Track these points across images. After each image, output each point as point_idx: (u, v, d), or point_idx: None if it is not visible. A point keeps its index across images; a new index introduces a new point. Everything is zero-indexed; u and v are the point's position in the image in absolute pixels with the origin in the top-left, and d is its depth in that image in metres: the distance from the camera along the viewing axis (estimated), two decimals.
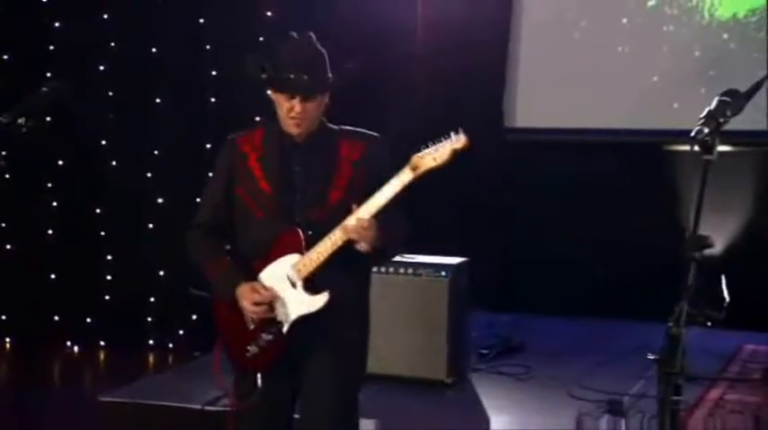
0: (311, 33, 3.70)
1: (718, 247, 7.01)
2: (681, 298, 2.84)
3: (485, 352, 6.28)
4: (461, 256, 5.86)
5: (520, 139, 7.91)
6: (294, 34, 3.70)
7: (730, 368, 6.06)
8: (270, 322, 3.63)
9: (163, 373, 6.96)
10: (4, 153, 6.30)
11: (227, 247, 3.88)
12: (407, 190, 3.57)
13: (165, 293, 7.68)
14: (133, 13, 7.77)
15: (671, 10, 7.61)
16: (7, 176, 7.94)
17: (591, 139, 7.73)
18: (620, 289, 7.17)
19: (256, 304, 3.60)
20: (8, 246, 8.03)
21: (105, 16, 7.81)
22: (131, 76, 7.76)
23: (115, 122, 7.84)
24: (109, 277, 7.88)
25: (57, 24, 7.88)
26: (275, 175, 3.69)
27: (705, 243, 2.89)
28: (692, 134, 2.98)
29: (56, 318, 7.91)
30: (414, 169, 3.54)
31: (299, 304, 3.61)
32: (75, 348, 7.89)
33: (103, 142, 7.87)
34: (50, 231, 7.98)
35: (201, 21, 7.66)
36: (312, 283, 3.60)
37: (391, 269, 5.61)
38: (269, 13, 7.45)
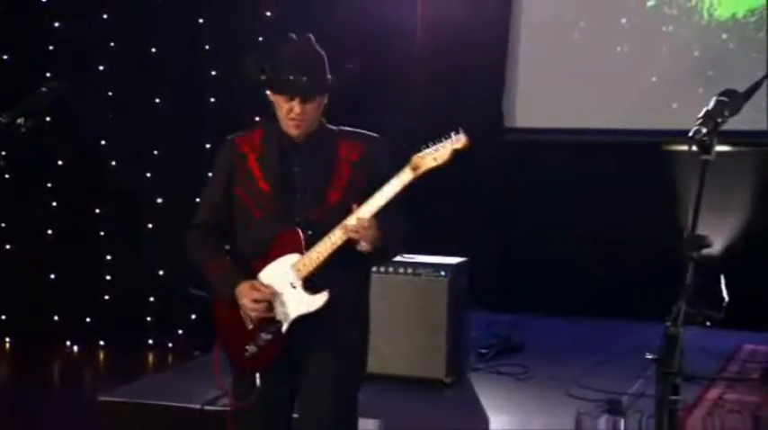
0: (310, 35, 3.70)
1: (717, 247, 7.04)
2: (679, 297, 2.85)
3: (484, 351, 6.29)
4: (461, 256, 5.87)
5: (519, 139, 7.91)
6: (293, 36, 3.70)
7: (729, 368, 6.06)
8: (269, 322, 3.64)
9: (162, 373, 6.97)
10: (3, 153, 6.31)
11: (227, 247, 3.89)
12: (408, 190, 3.57)
13: (164, 293, 7.69)
14: (133, 13, 7.78)
15: (670, 10, 7.62)
16: (7, 176, 7.94)
17: (590, 139, 7.74)
18: (619, 289, 7.17)
19: (256, 302, 3.60)
20: (8, 246, 8.04)
21: (105, 16, 7.82)
22: (131, 76, 7.77)
23: (115, 122, 7.85)
24: (108, 277, 7.89)
25: (56, 24, 7.88)
26: (274, 175, 3.69)
27: (703, 243, 2.89)
28: (690, 134, 2.98)
29: (55, 317, 7.92)
30: (414, 169, 3.55)
31: (298, 304, 3.62)
32: (75, 348, 7.90)
33: (103, 142, 7.87)
34: (50, 231, 7.98)
35: (201, 21, 7.67)
36: (311, 283, 3.61)
37: (391, 269, 5.62)
38: (268, 14, 7.46)
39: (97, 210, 7.92)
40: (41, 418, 6.31)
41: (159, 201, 7.73)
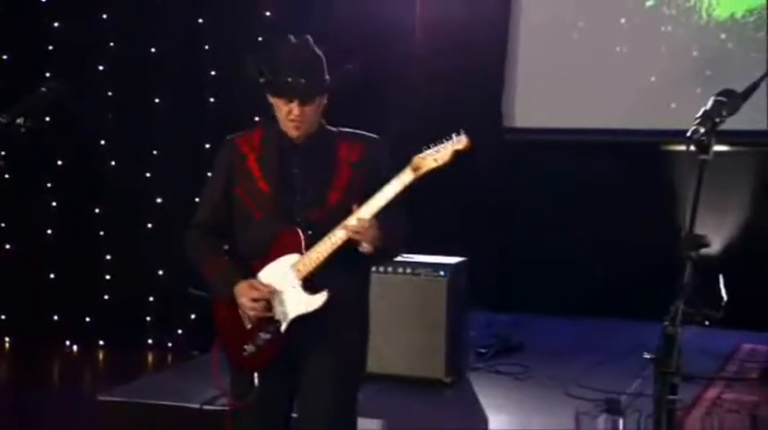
0: (308, 36, 3.71)
1: (716, 247, 7.05)
2: (677, 297, 2.85)
3: (483, 351, 6.29)
4: (460, 256, 5.87)
5: (519, 139, 7.92)
6: (291, 37, 3.70)
7: (728, 367, 6.07)
8: (268, 321, 3.64)
9: (162, 373, 6.98)
10: (3, 153, 6.32)
11: (226, 247, 3.89)
12: (408, 190, 3.58)
13: (164, 293, 7.69)
14: (132, 13, 7.78)
15: (669, 10, 7.63)
16: (7, 176, 7.95)
17: (589, 139, 7.75)
18: (618, 288, 7.18)
19: (254, 301, 3.61)
20: (8, 246, 8.04)
21: (104, 16, 7.82)
22: (130, 76, 7.77)
23: (114, 122, 7.85)
24: (108, 277, 7.89)
25: (56, 24, 7.88)
26: (274, 176, 3.70)
27: (701, 242, 2.90)
28: (688, 134, 2.99)
29: (55, 317, 7.93)
30: (415, 170, 3.55)
31: (297, 303, 3.62)
32: (75, 347, 7.90)
33: (103, 142, 7.87)
34: (50, 231, 7.99)
35: (201, 21, 7.67)
36: (311, 283, 3.61)
37: (390, 268, 5.62)
38: (268, 14, 7.46)
39: (97, 210, 7.92)
40: (41, 418, 6.31)
41: (159, 200, 7.74)
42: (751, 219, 7.41)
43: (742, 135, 6.53)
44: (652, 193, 7.37)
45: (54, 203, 7.99)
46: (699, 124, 3.00)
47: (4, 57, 7.99)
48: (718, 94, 3.09)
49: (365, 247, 3.56)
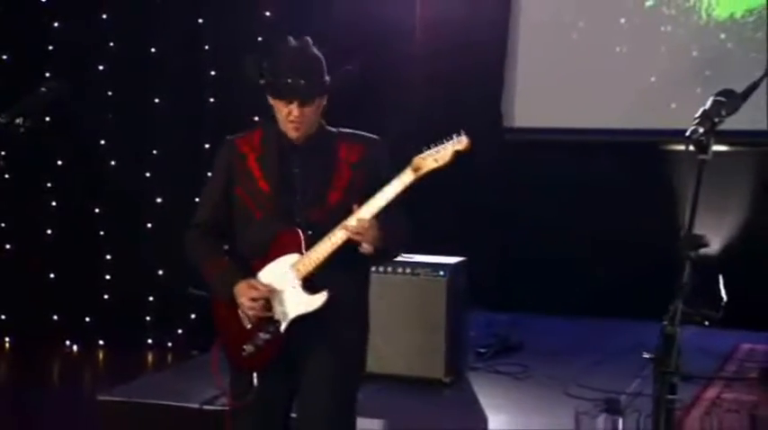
0: (308, 37, 3.71)
1: (716, 247, 7.05)
2: (676, 297, 2.86)
3: (482, 351, 6.29)
4: (459, 256, 5.87)
5: (518, 139, 7.92)
6: (291, 39, 3.70)
7: (727, 367, 6.07)
8: (267, 321, 3.64)
9: (162, 372, 6.98)
10: (3, 153, 6.32)
11: (225, 247, 3.90)
12: (408, 191, 3.58)
13: (163, 293, 7.69)
14: (132, 13, 7.78)
15: (669, 10, 7.63)
16: (7, 176, 7.95)
17: (589, 139, 7.75)
18: (617, 288, 7.19)
19: (253, 300, 3.61)
20: (7, 246, 8.05)
21: (104, 16, 7.82)
22: (130, 75, 7.77)
23: (114, 122, 7.85)
24: (108, 276, 7.89)
25: (56, 24, 7.88)
26: (274, 176, 3.70)
27: (700, 242, 2.90)
28: (687, 134, 3.00)
29: (55, 317, 7.93)
30: (415, 170, 3.55)
31: (297, 303, 3.62)
32: (75, 347, 7.90)
33: (102, 142, 7.87)
34: (49, 231, 7.99)
35: (200, 21, 7.67)
36: (311, 283, 3.61)
37: (389, 268, 5.62)
38: (268, 14, 7.46)
39: (97, 210, 7.92)
40: (41, 417, 6.31)
41: (159, 200, 7.74)
42: (751, 219, 7.41)
43: (742, 135, 6.54)
44: (652, 193, 7.37)
45: (54, 203, 7.99)
46: (698, 124, 3.00)
47: (4, 57, 7.99)
48: (718, 94, 3.09)
49: (365, 248, 3.57)
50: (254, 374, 3.67)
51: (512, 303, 7.33)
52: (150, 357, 7.66)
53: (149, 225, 7.77)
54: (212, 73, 7.62)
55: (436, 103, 7.59)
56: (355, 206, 3.57)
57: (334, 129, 3.79)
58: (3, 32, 7.97)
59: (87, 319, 7.90)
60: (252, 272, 3.67)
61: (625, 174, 7.55)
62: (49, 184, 7.98)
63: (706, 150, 2.98)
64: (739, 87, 3.17)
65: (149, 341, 7.76)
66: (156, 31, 7.75)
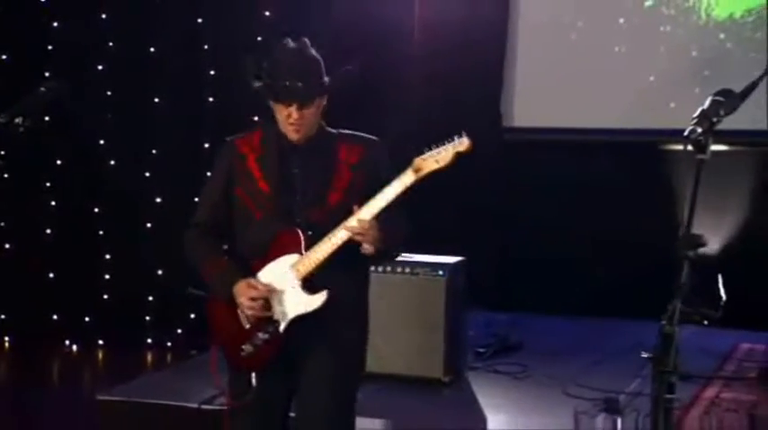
0: (305, 39, 3.71)
1: (716, 247, 7.05)
2: (674, 296, 2.86)
3: (482, 350, 6.30)
4: (458, 255, 5.88)
5: (517, 139, 7.93)
6: (288, 41, 3.70)
7: (726, 367, 6.07)
8: (267, 321, 3.65)
9: (161, 372, 6.98)
10: (2, 152, 6.32)
11: (225, 247, 3.90)
12: (409, 191, 3.59)
13: (163, 292, 7.69)
14: (131, 12, 7.78)
15: (668, 10, 7.63)
16: (6, 176, 7.96)
17: (588, 139, 7.75)
18: (617, 287, 7.19)
19: (252, 299, 3.61)
20: (7, 246, 8.05)
21: (104, 16, 7.82)
22: (130, 75, 7.77)
23: (113, 122, 7.85)
24: (107, 276, 7.89)
25: (55, 24, 7.89)
26: (274, 176, 3.70)
27: (698, 242, 2.90)
28: (686, 133, 3.00)
29: (54, 316, 7.93)
30: (416, 171, 3.56)
31: (296, 303, 3.63)
32: (74, 347, 7.91)
33: (102, 142, 7.88)
34: (49, 230, 7.99)
35: (200, 20, 7.67)
36: (310, 283, 3.62)
37: (389, 268, 5.63)
38: (267, 14, 7.46)
39: (96, 210, 7.92)
40: (40, 417, 6.32)
41: (158, 200, 7.74)
42: (751, 219, 7.42)
43: (742, 135, 6.55)
44: (651, 193, 7.37)
45: (53, 203, 7.99)
46: (696, 124, 3.00)
47: (4, 56, 7.99)
48: (716, 94, 3.10)
49: (366, 248, 3.57)
50: (253, 374, 3.67)
51: (511, 303, 7.33)
52: (150, 357, 7.66)
53: (149, 225, 7.77)
54: (212, 73, 7.62)
55: (435, 103, 7.60)
56: (356, 207, 3.58)
57: (334, 131, 3.79)
58: (2, 32, 7.97)
59: (87, 319, 7.90)
60: (251, 272, 3.67)
61: (624, 173, 7.55)
62: (48, 184, 7.98)
63: (704, 150, 2.98)
64: (738, 87, 3.17)
65: (149, 341, 7.77)
66: (155, 31, 7.75)
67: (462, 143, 3.56)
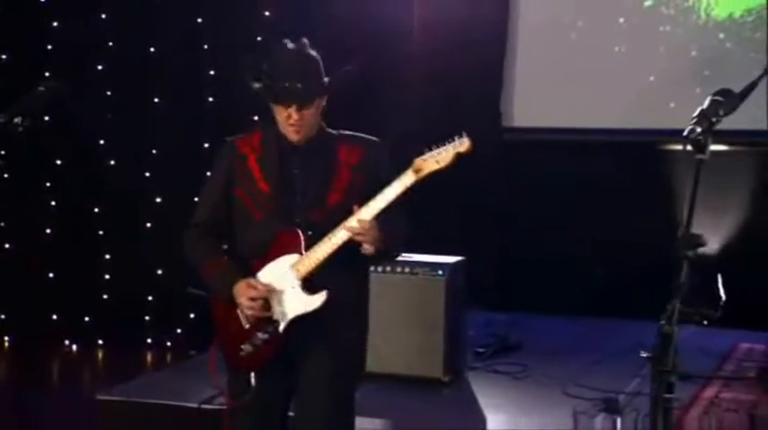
0: (304, 39, 3.71)
1: (715, 246, 7.05)
2: (673, 296, 2.86)
3: (481, 350, 6.29)
4: (458, 255, 5.88)
5: (517, 139, 7.92)
6: (287, 42, 3.70)
7: (725, 366, 6.07)
8: (266, 321, 3.65)
9: (161, 372, 6.99)
10: (2, 152, 6.32)
11: (225, 247, 3.90)
12: (409, 192, 3.59)
13: (163, 292, 7.70)
14: (131, 12, 7.78)
15: (667, 10, 7.63)
16: (6, 176, 7.96)
17: (588, 139, 7.75)
18: (616, 287, 7.18)
19: (252, 299, 3.61)
20: (7, 246, 8.05)
21: (103, 16, 7.83)
22: (129, 75, 7.78)
23: (113, 122, 7.85)
24: (107, 276, 7.90)
25: (55, 24, 7.89)
26: (274, 176, 3.70)
27: (698, 241, 2.91)
28: (685, 133, 3.00)
29: (54, 316, 7.93)
30: (416, 172, 3.56)
31: (296, 303, 3.63)
32: (74, 347, 7.91)
33: (102, 142, 7.88)
34: (49, 230, 7.99)
35: (199, 20, 7.67)
36: (310, 283, 3.62)
37: (388, 268, 5.62)
38: (267, 13, 7.47)
39: (96, 210, 7.93)
40: (40, 417, 6.32)
41: (158, 200, 7.74)
42: (750, 219, 7.41)
43: (742, 135, 6.55)
44: (651, 193, 7.37)
45: (53, 203, 7.99)
46: (695, 124, 3.01)
47: (3, 56, 8.00)
48: (715, 94, 3.10)
49: (366, 249, 3.57)
50: (252, 374, 3.67)
51: (511, 303, 7.33)
52: (149, 357, 7.66)
53: (149, 224, 7.77)
54: (211, 72, 7.63)
55: (435, 102, 7.60)
56: (356, 207, 3.58)
57: (334, 131, 3.80)
58: (2, 32, 7.97)
59: (86, 319, 7.91)
60: (251, 272, 3.67)
61: (624, 173, 7.55)
62: (48, 184, 7.99)
63: (704, 150, 2.98)
64: (738, 87, 3.17)
65: (148, 340, 7.77)
66: (155, 31, 7.75)
67: (463, 143, 3.57)
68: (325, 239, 3.59)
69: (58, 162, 7.95)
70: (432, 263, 5.71)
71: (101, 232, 7.91)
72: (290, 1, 7.44)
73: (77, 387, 7.16)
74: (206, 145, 7.47)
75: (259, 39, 7.37)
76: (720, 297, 3.08)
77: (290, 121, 3.64)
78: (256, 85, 3.68)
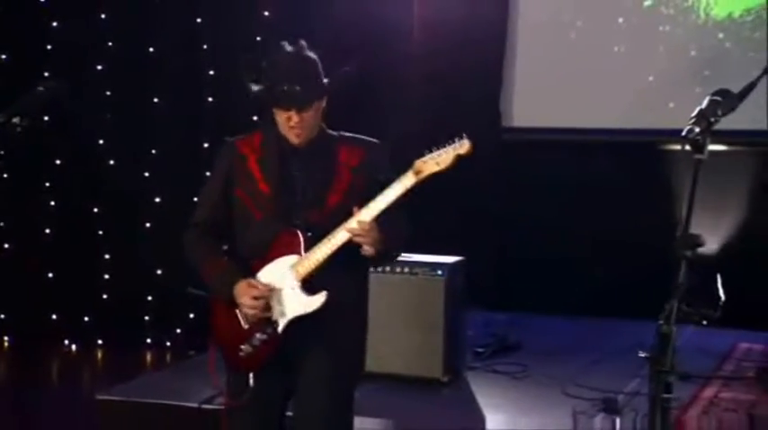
0: (302, 41, 3.71)
1: (715, 246, 7.05)
2: (672, 296, 2.86)
3: (481, 350, 6.29)
4: (457, 255, 5.87)
5: (516, 139, 7.92)
6: (285, 44, 3.70)
7: (725, 366, 6.07)
8: (265, 322, 3.65)
9: (160, 372, 6.99)
10: (1, 152, 6.32)
11: (224, 248, 3.90)
12: (409, 194, 3.59)
13: (162, 292, 7.70)
14: (130, 12, 7.79)
15: (667, 10, 7.63)
16: (5, 176, 7.97)
17: (587, 139, 7.75)
18: (616, 287, 7.18)
19: (255, 299, 3.61)
20: (6, 246, 8.05)
21: (103, 16, 7.83)
22: (129, 75, 7.78)
23: (113, 122, 7.85)
24: (107, 276, 7.90)
25: (54, 24, 7.89)
26: (275, 177, 3.70)
27: (696, 241, 2.91)
28: (683, 133, 3.00)
29: (54, 316, 7.93)
30: (416, 173, 3.57)
31: (296, 304, 3.63)
32: (73, 347, 7.91)
33: (101, 142, 7.88)
34: (48, 230, 7.99)
35: (199, 20, 7.67)
36: (310, 284, 3.62)
37: (387, 268, 5.62)
38: (266, 14, 7.47)
39: (95, 210, 7.93)
40: (40, 417, 6.32)
41: (157, 200, 7.74)
42: (750, 218, 7.41)
43: (742, 135, 6.55)
44: (651, 193, 7.37)
45: (52, 203, 7.99)
46: (694, 123, 3.01)
47: (3, 56, 8.00)
48: (714, 94, 3.10)
49: (366, 250, 3.58)
50: (250, 374, 3.67)
51: (510, 303, 7.33)
52: (149, 356, 7.67)
53: (148, 224, 7.77)
54: (211, 72, 7.63)
55: (435, 102, 7.60)
56: (356, 208, 3.58)
57: (335, 133, 3.80)
58: (2, 32, 7.98)
59: (86, 319, 7.91)
60: (251, 272, 3.67)
61: (623, 173, 7.55)
62: (47, 184, 7.99)
63: (702, 150, 2.99)
64: (737, 87, 3.17)
65: (148, 340, 7.77)
66: (154, 31, 7.76)
67: (463, 145, 3.57)
68: (325, 240, 3.59)
69: (58, 162, 7.95)
70: (431, 263, 5.71)
71: (100, 232, 7.91)
72: (289, 1, 7.44)
73: (77, 387, 7.16)
74: (205, 145, 7.47)
75: (258, 39, 7.37)
76: (720, 297, 3.08)
77: (291, 124, 3.64)
78: (255, 89, 3.69)
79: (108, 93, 7.81)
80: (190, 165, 7.34)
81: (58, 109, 6.77)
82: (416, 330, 5.64)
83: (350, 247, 3.58)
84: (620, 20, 7.74)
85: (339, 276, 3.61)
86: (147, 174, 7.78)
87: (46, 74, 7.59)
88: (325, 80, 3.69)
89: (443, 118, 7.19)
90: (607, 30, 7.76)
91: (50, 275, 7.95)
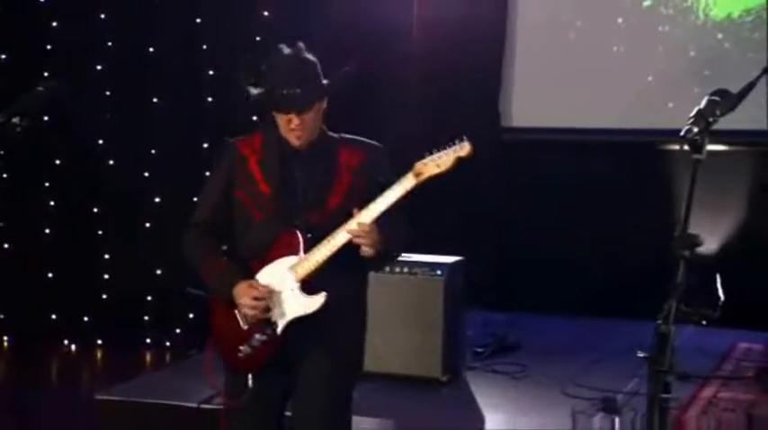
0: (300, 43, 3.71)
1: (714, 246, 7.05)
2: (670, 296, 2.87)
3: (480, 350, 6.29)
4: (457, 255, 5.88)
5: (516, 139, 7.92)
6: (283, 47, 3.70)
7: (724, 366, 6.07)
8: (265, 323, 3.65)
9: (160, 372, 6.99)
10: (0, 152, 6.32)
11: (224, 248, 3.90)
12: (409, 196, 3.60)
13: (162, 292, 7.70)
14: (130, 12, 7.79)
15: (666, 10, 7.63)
16: (5, 176, 7.97)
17: (586, 139, 7.75)
18: (615, 287, 7.18)
19: (254, 299, 3.61)
20: (6, 246, 8.06)
21: (102, 16, 7.83)
22: (128, 75, 7.78)
23: (112, 122, 7.86)
24: (106, 276, 7.90)
25: (54, 24, 7.89)
26: (275, 178, 3.71)
27: (694, 241, 2.91)
28: (682, 133, 3.01)
29: (53, 316, 7.93)
30: (417, 175, 3.57)
31: (295, 305, 3.63)
32: (73, 347, 7.91)
33: (101, 142, 7.88)
34: (48, 230, 7.99)
35: (198, 21, 7.68)
36: (309, 285, 3.62)
37: (387, 268, 5.62)
38: (266, 13, 7.47)
39: (95, 210, 7.93)
40: (39, 417, 6.32)
41: (157, 200, 7.75)
42: (749, 218, 7.41)
43: (741, 135, 6.55)
44: (650, 193, 7.37)
45: (52, 203, 8.00)
46: (692, 123, 3.01)
47: (3, 56, 8.00)
48: (713, 94, 3.11)
49: (366, 251, 3.58)
50: (249, 375, 3.67)
51: (509, 302, 7.32)
52: (148, 356, 7.67)
53: (148, 224, 7.77)
54: (210, 73, 7.63)
55: (434, 102, 7.60)
56: (356, 210, 3.59)
57: (335, 135, 3.80)
58: (2, 32, 7.98)
59: (86, 319, 7.91)
60: (251, 273, 3.68)
61: (623, 173, 7.55)
62: (47, 184, 7.99)
63: (700, 150, 2.99)
64: (737, 87, 3.18)
65: (148, 340, 7.78)
66: (154, 31, 7.76)
67: (463, 148, 3.58)
68: (325, 242, 3.60)
69: (57, 162, 7.95)
70: (430, 263, 5.71)
71: (100, 232, 7.92)
72: (288, 1, 7.44)
73: (76, 387, 7.17)
74: (205, 145, 7.48)
75: (258, 39, 7.37)
76: (719, 297, 3.08)
77: (291, 126, 3.64)
78: (255, 92, 3.69)
79: (108, 93, 7.82)
80: (190, 165, 7.34)
81: (57, 109, 6.77)
82: (416, 330, 5.64)
83: (349, 249, 3.59)
84: (620, 20, 7.74)
85: (339, 277, 3.61)
86: (146, 174, 7.78)
87: (46, 74, 7.60)
88: (325, 81, 3.69)
89: (443, 118, 7.20)
90: (606, 30, 7.76)
91: (50, 275, 7.95)
